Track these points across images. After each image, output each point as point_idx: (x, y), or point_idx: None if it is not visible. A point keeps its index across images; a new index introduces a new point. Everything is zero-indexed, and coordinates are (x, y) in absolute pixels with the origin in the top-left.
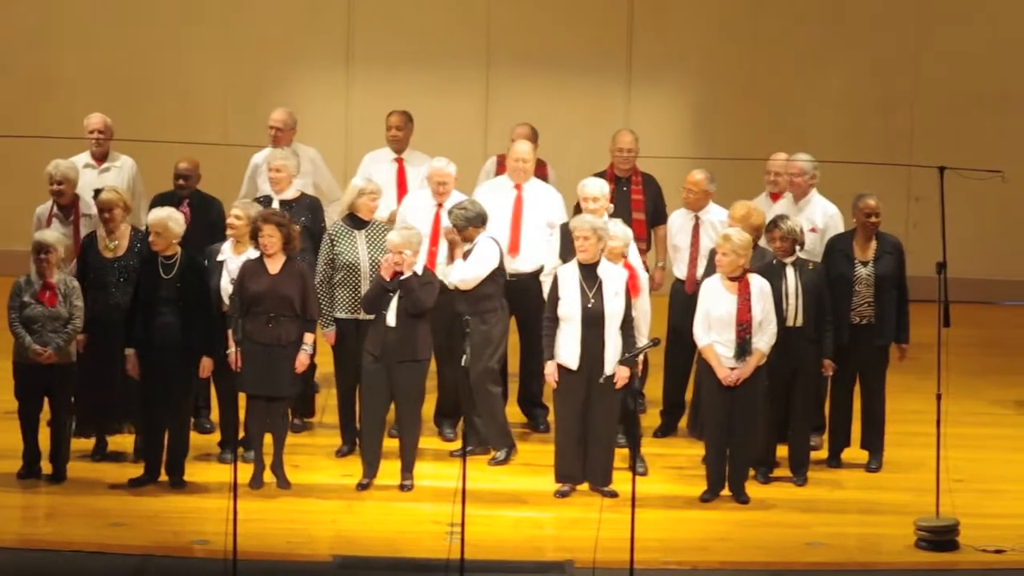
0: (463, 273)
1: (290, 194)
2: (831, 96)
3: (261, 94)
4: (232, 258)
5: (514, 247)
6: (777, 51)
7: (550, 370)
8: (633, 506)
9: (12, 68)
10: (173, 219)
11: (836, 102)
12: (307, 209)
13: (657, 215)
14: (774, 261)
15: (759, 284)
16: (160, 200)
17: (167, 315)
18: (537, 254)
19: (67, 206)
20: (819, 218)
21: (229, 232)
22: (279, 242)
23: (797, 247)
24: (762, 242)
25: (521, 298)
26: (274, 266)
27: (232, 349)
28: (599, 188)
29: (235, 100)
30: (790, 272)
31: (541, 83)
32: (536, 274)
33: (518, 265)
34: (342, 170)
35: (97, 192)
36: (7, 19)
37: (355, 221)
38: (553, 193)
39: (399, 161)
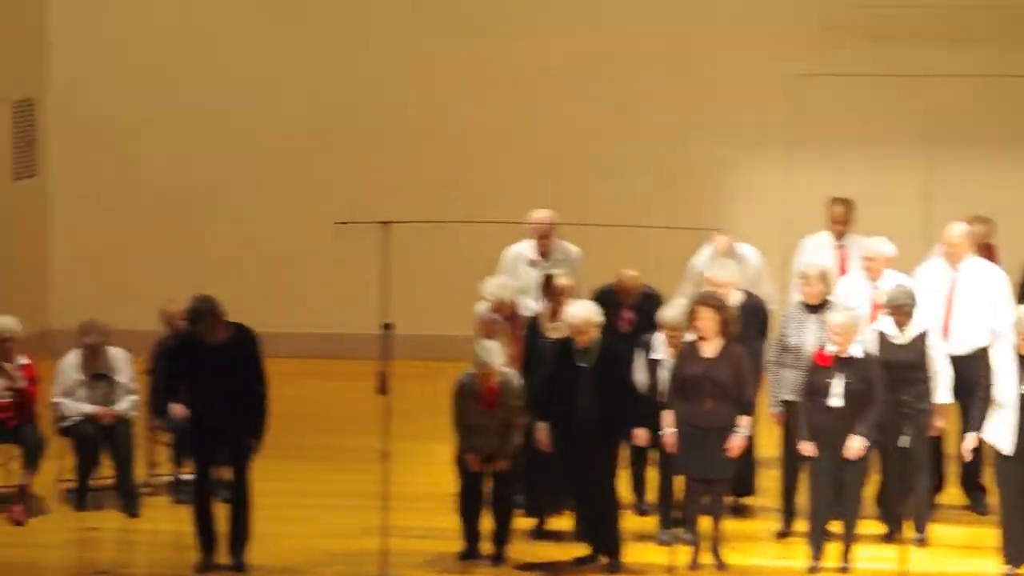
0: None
1: None
2: None
3: (698, 176)
4: (667, 359)
5: (945, 328)
6: None
7: (969, 445)
8: None
9: None
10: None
11: None
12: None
13: None
14: None
15: None
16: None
17: (582, 395)
18: (971, 335)
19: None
20: None
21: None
22: (715, 326)
23: None
24: None
25: (959, 381)
26: (710, 350)
27: (668, 430)
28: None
29: (675, 182)
30: None
31: (983, 165)
32: (969, 357)
33: (951, 348)
34: (780, 254)
35: (548, 278)
36: None
37: (807, 305)
38: (996, 273)
39: (841, 248)
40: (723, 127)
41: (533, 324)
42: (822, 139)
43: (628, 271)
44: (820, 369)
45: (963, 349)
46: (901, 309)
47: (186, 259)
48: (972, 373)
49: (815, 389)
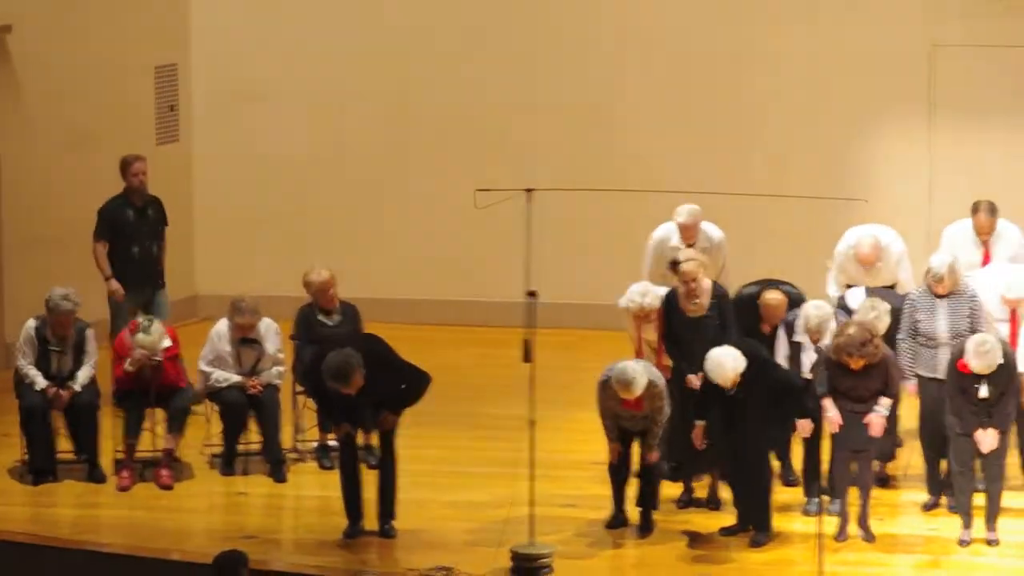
0: None
1: None
2: None
3: (840, 151)
4: (807, 343)
5: None
6: None
7: None
8: None
9: None
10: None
11: None
12: None
13: None
14: None
15: None
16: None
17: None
18: None
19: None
20: None
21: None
22: (867, 361)
23: None
24: None
25: None
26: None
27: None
28: None
29: (817, 157)
30: None
31: None
32: None
33: None
34: (926, 224)
35: (675, 264)
36: None
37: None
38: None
39: (984, 244)
40: (868, 97)
41: (670, 298)
42: (966, 110)
43: (774, 295)
44: (964, 376)
45: None
46: None
47: (324, 225)
48: None
49: (962, 388)
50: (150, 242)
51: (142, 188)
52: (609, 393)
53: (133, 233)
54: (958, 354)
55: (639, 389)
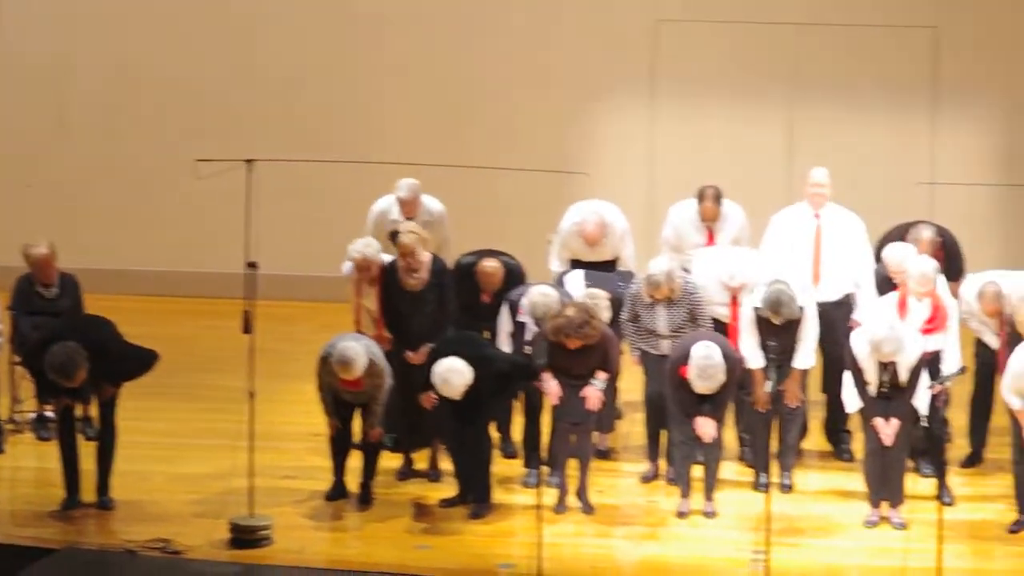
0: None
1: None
2: None
3: (563, 125)
4: (531, 323)
5: (815, 276)
6: None
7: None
8: (940, 536)
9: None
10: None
11: None
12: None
13: (954, 271)
14: None
15: None
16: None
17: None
18: (839, 282)
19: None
20: None
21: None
22: (585, 342)
23: None
24: None
25: (825, 328)
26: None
27: (551, 383)
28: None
29: (537, 131)
30: None
31: (845, 112)
32: (839, 303)
33: (820, 294)
34: (647, 199)
35: (394, 234)
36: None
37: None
38: (854, 219)
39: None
40: (591, 71)
41: (390, 270)
42: (689, 85)
43: (490, 263)
44: (684, 381)
45: (832, 295)
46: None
47: (45, 195)
48: (839, 319)
49: (683, 387)
50: None
51: None
52: (328, 369)
53: None
54: (679, 360)
55: (359, 370)
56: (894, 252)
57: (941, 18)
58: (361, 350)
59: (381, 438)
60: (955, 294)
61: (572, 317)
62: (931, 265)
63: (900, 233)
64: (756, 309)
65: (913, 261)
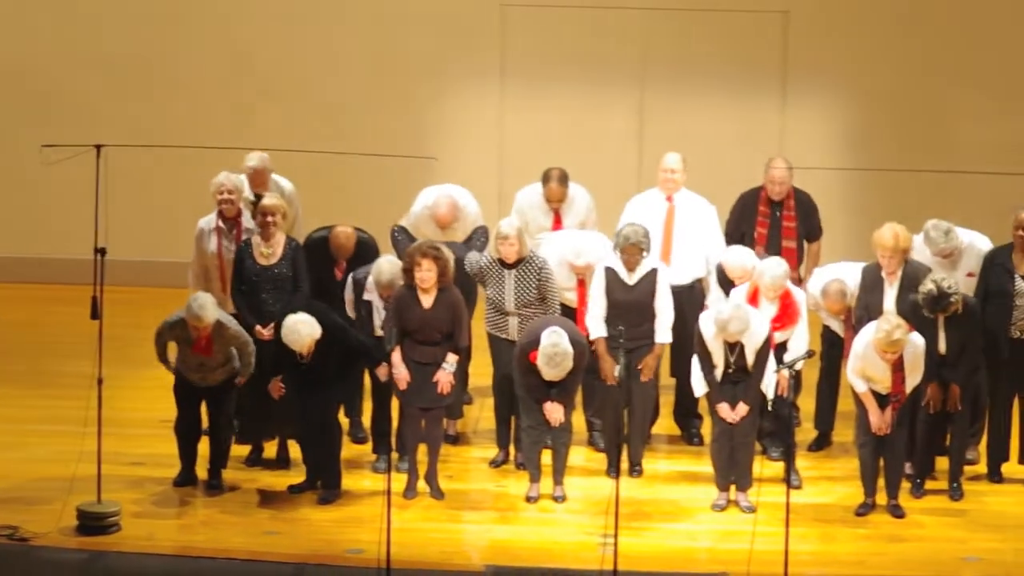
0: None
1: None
2: (984, 110)
3: (411, 110)
4: (378, 302)
5: (666, 259)
6: (930, 65)
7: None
8: (788, 519)
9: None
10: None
11: (989, 116)
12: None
13: (811, 231)
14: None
15: (911, 351)
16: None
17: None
18: (689, 267)
19: (232, 219)
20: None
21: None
22: (435, 276)
23: None
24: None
25: (675, 312)
26: (428, 300)
27: (399, 367)
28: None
29: (385, 116)
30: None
31: (695, 99)
32: (690, 287)
33: (672, 278)
34: (497, 184)
35: (258, 198)
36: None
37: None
38: (706, 205)
39: (555, 210)
40: (441, 55)
41: (245, 246)
42: (536, 70)
43: (343, 228)
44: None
45: (683, 279)
46: (635, 247)
47: None
48: (689, 303)
49: (532, 372)
50: None
51: None
52: (175, 335)
53: None
54: (528, 345)
55: (209, 317)
56: (735, 257)
57: (791, 3)
58: (211, 305)
59: (228, 422)
60: (814, 255)
61: (424, 241)
62: (782, 268)
63: (753, 195)
64: (607, 269)
65: (764, 265)
